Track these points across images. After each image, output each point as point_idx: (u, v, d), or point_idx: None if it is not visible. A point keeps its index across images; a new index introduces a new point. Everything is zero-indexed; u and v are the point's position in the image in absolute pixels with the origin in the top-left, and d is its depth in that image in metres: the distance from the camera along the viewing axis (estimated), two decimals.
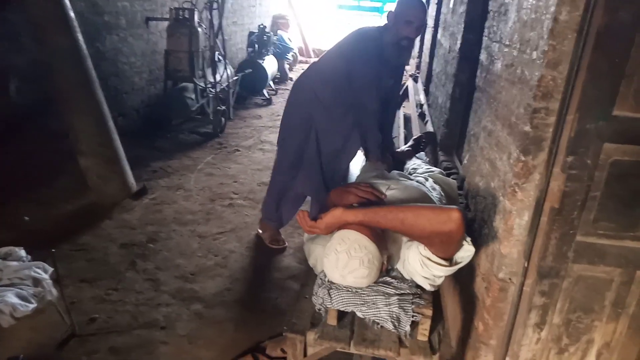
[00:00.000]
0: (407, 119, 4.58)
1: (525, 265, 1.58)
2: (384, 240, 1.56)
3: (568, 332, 1.66)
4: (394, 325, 1.52)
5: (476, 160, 2.13)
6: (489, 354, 1.79)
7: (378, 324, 1.55)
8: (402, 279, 1.61)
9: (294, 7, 10.68)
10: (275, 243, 3.01)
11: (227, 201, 3.63)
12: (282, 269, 2.83)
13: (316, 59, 2.84)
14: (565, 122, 1.40)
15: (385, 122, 2.73)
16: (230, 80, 5.69)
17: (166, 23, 4.97)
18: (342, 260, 1.45)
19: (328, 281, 1.58)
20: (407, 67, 3.11)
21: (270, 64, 7.05)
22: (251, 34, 7.13)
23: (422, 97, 4.87)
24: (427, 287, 1.55)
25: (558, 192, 1.46)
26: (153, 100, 5.39)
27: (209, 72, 5.24)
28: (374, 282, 1.55)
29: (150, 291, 2.52)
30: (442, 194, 2.00)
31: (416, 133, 3.62)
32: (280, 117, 2.83)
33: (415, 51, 6.59)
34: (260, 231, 3.09)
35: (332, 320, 1.60)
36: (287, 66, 8.73)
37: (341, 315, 1.62)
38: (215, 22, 5.16)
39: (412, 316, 1.53)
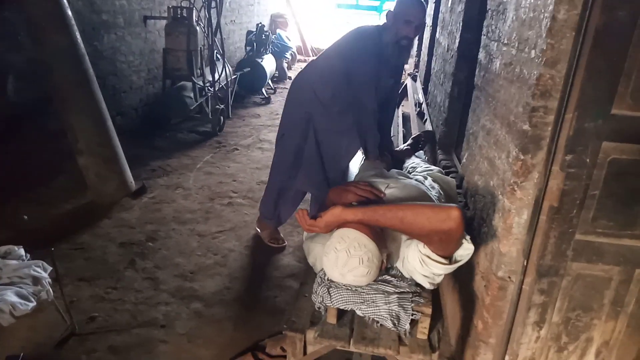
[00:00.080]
0: (405, 118, 4.59)
1: (525, 263, 1.58)
2: (384, 238, 1.57)
3: (567, 331, 1.66)
4: (394, 324, 1.52)
5: (475, 159, 2.13)
6: (488, 353, 1.80)
7: (377, 322, 1.56)
8: (401, 277, 1.62)
9: (293, 5, 10.66)
10: (274, 241, 3.01)
11: (226, 200, 3.63)
12: (281, 268, 2.83)
13: (314, 58, 2.84)
14: (563, 121, 1.40)
15: (385, 121, 2.73)
16: (229, 79, 5.68)
17: (164, 22, 4.96)
18: (341, 259, 1.45)
19: (327, 280, 1.59)
20: (405, 66, 3.10)
21: (268, 63, 7.05)
22: (249, 32, 7.12)
23: (420, 96, 4.87)
24: (427, 286, 1.56)
25: (557, 190, 1.47)
26: (152, 99, 5.38)
27: (207, 71, 5.23)
28: (374, 281, 1.55)
29: (149, 290, 2.52)
30: (441, 192, 2.01)
31: (415, 132, 3.63)
32: (279, 116, 2.82)
33: (414, 50, 6.59)
34: (257, 230, 3.10)
35: (331, 319, 1.60)
36: (285, 65, 8.73)
37: (341, 313, 1.62)
38: (214, 20, 5.15)
39: (412, 314, 1.53)
